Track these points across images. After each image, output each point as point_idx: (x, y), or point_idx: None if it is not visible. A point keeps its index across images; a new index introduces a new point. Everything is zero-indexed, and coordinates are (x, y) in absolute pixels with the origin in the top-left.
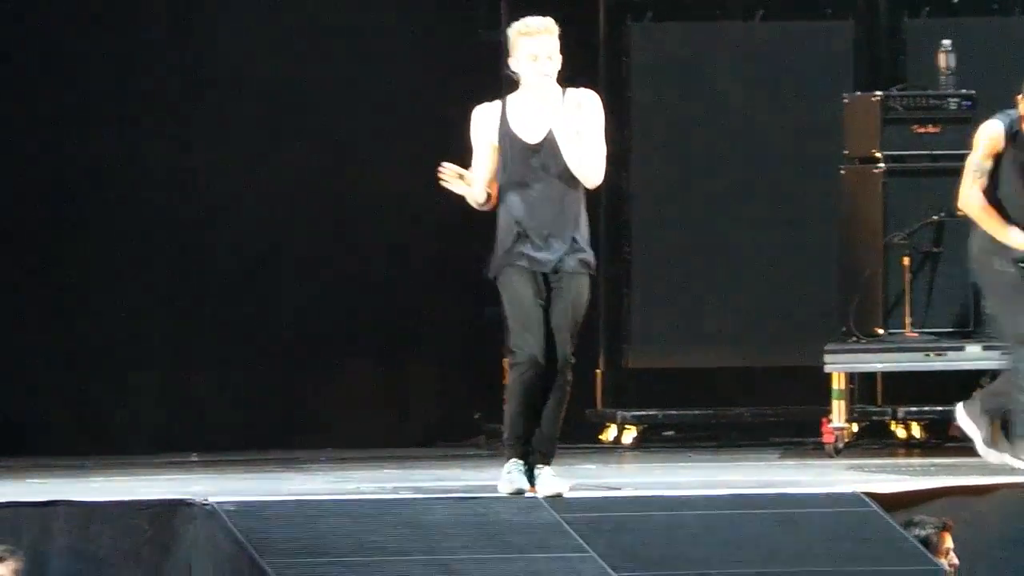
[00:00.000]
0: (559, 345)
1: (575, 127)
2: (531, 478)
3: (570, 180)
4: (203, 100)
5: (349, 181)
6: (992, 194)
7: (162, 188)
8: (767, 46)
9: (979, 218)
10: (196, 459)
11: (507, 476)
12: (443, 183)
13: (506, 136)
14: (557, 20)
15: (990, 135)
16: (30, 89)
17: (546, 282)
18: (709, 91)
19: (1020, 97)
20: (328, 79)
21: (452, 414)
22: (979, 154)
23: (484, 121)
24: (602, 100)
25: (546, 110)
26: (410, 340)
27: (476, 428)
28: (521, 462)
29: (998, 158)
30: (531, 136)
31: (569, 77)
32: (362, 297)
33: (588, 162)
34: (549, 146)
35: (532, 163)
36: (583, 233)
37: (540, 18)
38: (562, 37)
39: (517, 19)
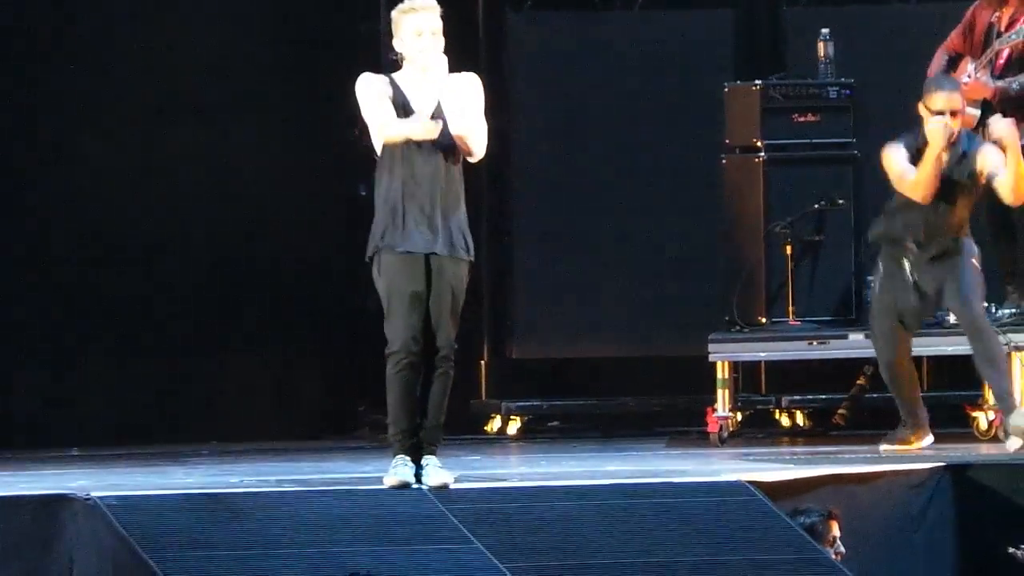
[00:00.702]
0: (440, 331)
1: (460, 99)
2: (418, 469)
3: (453, 157)
4: (90, 89)
5: (232, 174)
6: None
7: (39, 177)
8: (647, 35)
9: (909, 174)
10: (77, 453)
11: (393, 470)
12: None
13: (400, 104)
14: None
15: (890, 160)
16: None
17: (426, 266)
18: (590, 81)
19: (920, 106)
20: (205, 73)
21: (336, 406)
22: (891, 176)
23: (378, 80)
24: (484, 90)
25: (433, 83)
26: (294, 331)
27: (360, 420)
28: (407, 457)
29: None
30: (422, 107)
31: (450, 66)
32: (246, 288)
33: (475, 133)
34: (437, 118)
35: (422, 142)
36: (462, 217)
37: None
38: (443, 22)
39: (394, 5)
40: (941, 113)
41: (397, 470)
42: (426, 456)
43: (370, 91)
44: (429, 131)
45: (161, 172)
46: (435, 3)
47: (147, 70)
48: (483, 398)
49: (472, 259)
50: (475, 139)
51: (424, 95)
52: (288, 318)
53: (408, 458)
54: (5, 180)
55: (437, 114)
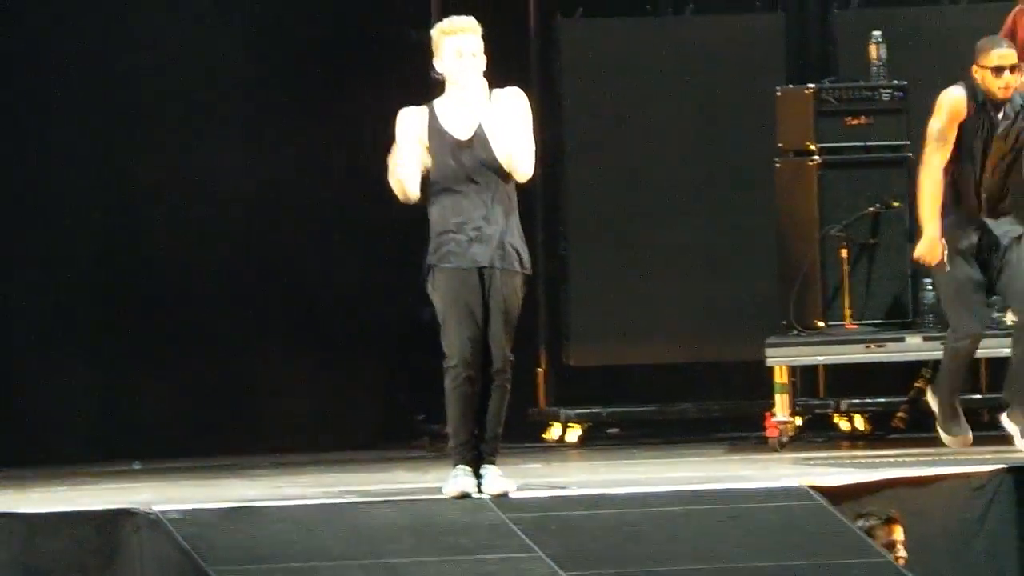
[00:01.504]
0: (495, 345)
1: (504, 120)
2: (478, 479)
3: (501, 176)
4: (125, 98)
5: (288, 184)
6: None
7: (93, 198)
8: (698, 40)
9: (922, 190)
10: (139, 467)
11: (452, 480)
12: (392, 173)
13: (436, 133)
14: (487, 18)
15: (952, 100)
16: None
17: (480, 280)
18: (642, 86)
19: (974, 67)
20: (255, 78)
21: (395, 417)
22: (942, 121)
23: (412, 119)
24: (534, 97)
25: (474, 106)
26: (352, 343)
27: (419, 430)
28: (468, 467)
29: (960, 128)
30: (461, 132)
31: (501, 75)
32: (303, 302)
33: (519, 154)
34: (479, 141)
35: (463, 159)
36: (516, 231)
37: (463, 17)
38: (492, 36)
39: (446, 15)
40: (998, 69)
41: (457, 480)
42: (486, 466)
43: (402, 134)
44: (410, 198)
45: (220, 186)
46: (476, 24)
47: (186, 81)
48: (541, 406)
49: (528, 272)
50: (519, 162)
51: (464, 119)
52: (345, 330)
53: (468, 468)
54: (67, 201)
55: (477, 139)
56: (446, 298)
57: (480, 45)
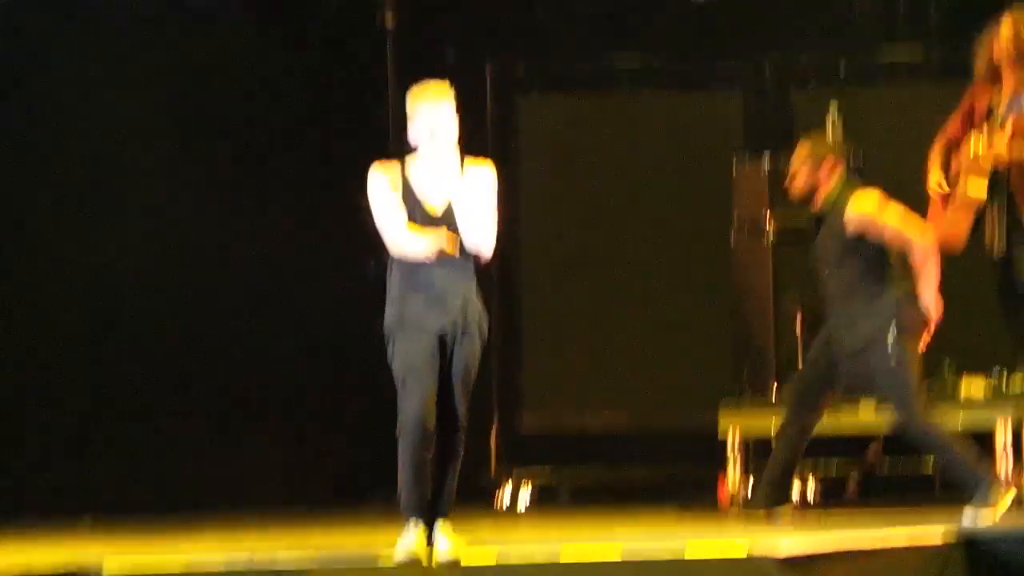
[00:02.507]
0: (452, 408)
1: (472, 200)
2: (429, 537)
3: (464, 251)
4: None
5: (244, 250)
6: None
7: (69, 248)
8: (656, 116)
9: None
10: (89, 523)
11: (403, 542)
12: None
13: (409, 199)
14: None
15: None
16: None
17: (440, 346)
18: (600, 160)
19: None
20: (228, 159)
21: (350, 480)
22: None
23: (387, 175)
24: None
25: (445, 179)
26: (303, 405)
27: (372, 495)
28: (419, 522)
29: None
30: (433, 204)
31: (459, 151)
32: (259, 365)
33: (483, 236)
34: (448, 216)
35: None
36: (474, 298)
37: (436, 84)
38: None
39: (403, 90)
40: None
41: (407, 541)
42: (439, 522)
43: (380, 193)
44: (445, 246)
45: (190, 249)
46: (448, 88)
47: (166, 137)
48: (493, 470)
49: (485, 337)
50: (482, 246)
51: (435, 191)
52: (299, 392)
53: (419, 525)
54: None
55: (447, 214)
56: (405, 363)
57: (453, 113)
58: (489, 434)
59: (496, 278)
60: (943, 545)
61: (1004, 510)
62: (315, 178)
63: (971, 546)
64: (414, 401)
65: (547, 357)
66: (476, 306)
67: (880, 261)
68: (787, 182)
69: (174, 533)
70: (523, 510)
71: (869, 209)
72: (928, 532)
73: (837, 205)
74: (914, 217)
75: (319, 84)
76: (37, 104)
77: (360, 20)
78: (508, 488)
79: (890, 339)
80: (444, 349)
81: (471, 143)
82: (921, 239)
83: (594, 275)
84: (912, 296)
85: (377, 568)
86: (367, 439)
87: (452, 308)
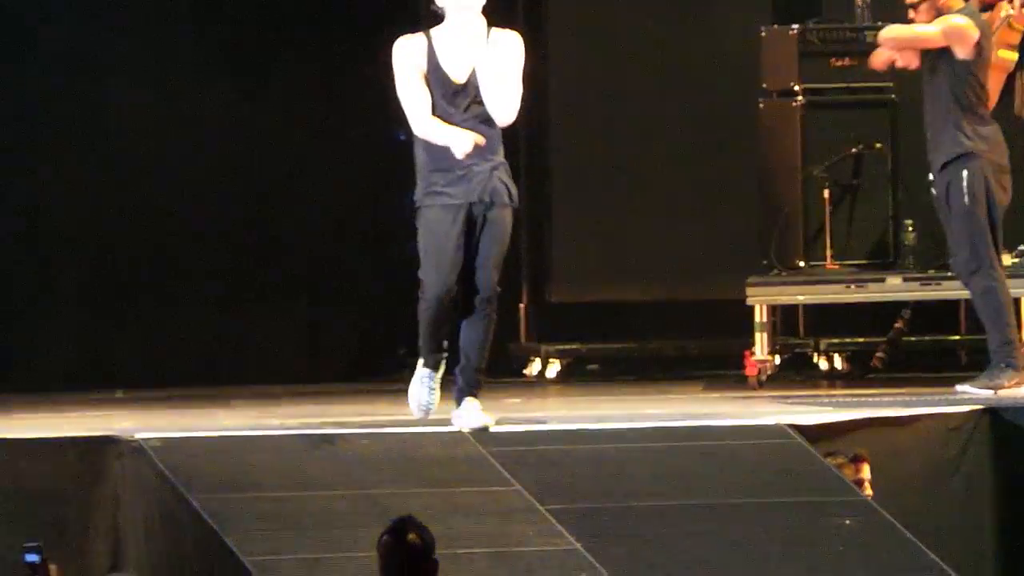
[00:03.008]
0: (483, 278)
1: (496, 68)
2: (459, 410)
3: (490, 119)
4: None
5: (263, 126)
6: None
7: (66, 136)
8: None
9: None
10: (121, 396)
11: (416, 388)
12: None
13: (434, 71)
14: None
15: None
16: None
17: (468, 215)
18: (626, 26)
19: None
20: (238, 23)
21: (376, 350)
22: None
23: (412, 51)
24: (522, 36)
25: (471, 47)
26: (332, 278)
27: (402, 364)
28: (431, 371)
29: None
30: (457, 74)
31: (488, 18)
32: (282, 236)
33: (505, 104)
34: (472, 85)
35: (456, 101)
36: (503, 166)
37: None
38: None
39: None
40: None
41: (421, 389)
42: (467, 399)
43: (404, 70)
44: (465, 148)
45: (194, 125)
46: None
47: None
48: (522, 341)
49: (516, 205)
50: (504, 112)
51: (460, 59)
52: (325, 268)
53: (431, 371)
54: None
55: (471, 82)
56: (433, 235)
57: None
58: (518, 307)
59: (524, 148)
60: (968, 413)
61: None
62: (342, 49)
63: (995, 416)
64: (436, 272)
65: (576, 229)
66: (503, 176)
67: None
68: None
69: (207, 405)
70: (552, 382)
71: None
72: (953, 403)
73: None
74: None
75: None
76: None
77: None
78: (537, 361)
79: None
80: (472, 220)
81: (501, 17)
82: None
83: (621, 144)
84: None
85: (406, 432)
86: (393, 312)
87: (478, 180)
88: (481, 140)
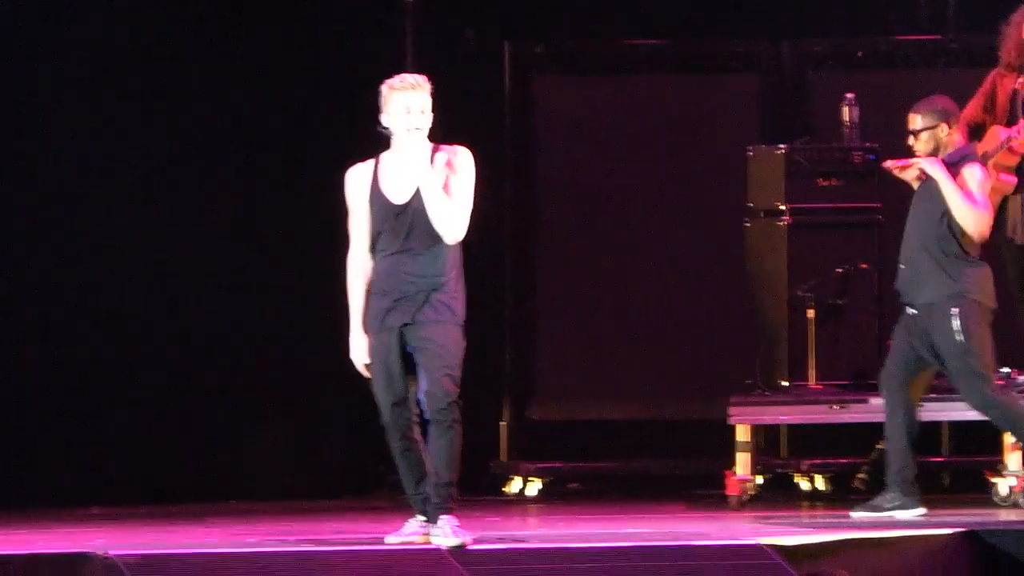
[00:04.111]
0: (432, 386)
1: (441, 185)
2: (435, 530)
3: (437, 238)
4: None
5: (253, 239)
6: None
7: (71, 241)
8: (672, 98)
9: None
10: (97, 512)
11: (401, 531)
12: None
13: (375, 196)
14: (463, 74)
15: None
16: None
17: (400, 339)
18: (616, 143)
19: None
20: (229, 130)
21: (356, 467)
22: None
23: (356, 183)
24: (509, 153)
25: (415, 167)
26: (315, 393)
27: (380, 480)
28: (420, 518)
29: None
30: (398, 197)
31: (477, 132)
32: (267, 350)
33: (451, 220)
34: (416, 205)
35: (398, 223)
36: (450, 287)
37: (413, 75)
38: (468, 91)
39: (421, 69)
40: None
41: (404, 528)
42: (442, 516)
43: (349, 199)
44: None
45: (191, 236)
46: (425, 81)
47: (161, 136)
48: (503, 459)
49: (460, 323)
50: (450, 228)
51: (403, 181)
52: (310, 381)
53: (421, 519)
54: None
55: (414, 201)
56: (373, 363)
57: (428, 102)
58: (498, 425)
59: (509, 264)
60: (949, 536)
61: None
62: (330, 164)
63: (975, 539)
64: (382, 401)
65: (559, 347)
66: (449, 295)
67: None
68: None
69: (184, 522)
70: (532, 501)
71: None
72: (933, 525)
73: None
74: None
75: (336, 62)
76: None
77: None
78: (517, 479)
79: None
80: (405, 339)
81: (488, 122)
82: None
83: (607, 261)
84: None
85: (385, 551)
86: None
87: (414, 302)
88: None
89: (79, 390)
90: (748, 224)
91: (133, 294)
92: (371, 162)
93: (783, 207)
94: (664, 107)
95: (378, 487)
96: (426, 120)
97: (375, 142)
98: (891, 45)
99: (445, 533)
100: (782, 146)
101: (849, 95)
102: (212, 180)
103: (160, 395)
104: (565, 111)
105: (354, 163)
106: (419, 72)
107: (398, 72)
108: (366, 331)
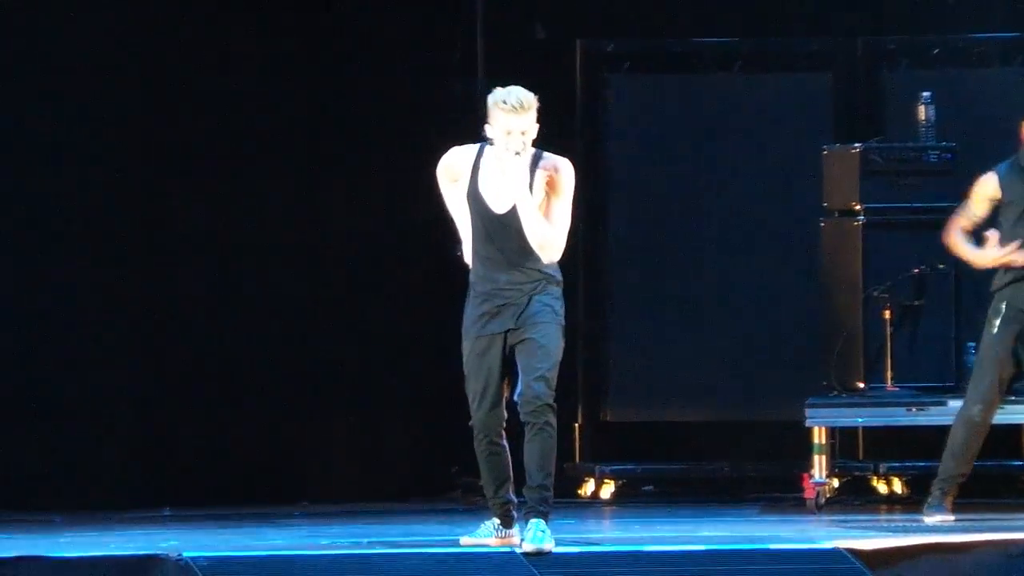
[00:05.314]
0: (529, 385)
1: (538, 204)
2: (523, 532)
3: (532, 252)
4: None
5: (327, 236)
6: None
7: (133, 235)
8: (745, 97)
9: (951, 247)
10: (169, 514)
11: (477, 531)
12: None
13: (474, 199)
14: (534, 72)
15: (980, 184)
16: None
17: (503, 343)
18: (687, 143)
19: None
20: (305, 124)
21: (429, 468)
22: (971, 199)
23: (454, 170)
24: (579, 152)
25: (514, 180)
26: (386, 393)
27: (453, 482)
28: (496, 521)
29: (1008, 202)
30: (497, 205)
31: (546, 129)
32: (338, 350)
33: (550, 244)
34: (512, 220)
35: (495, 234)
36: (548, 292)
37: (520, 95)
38: (538, 89)
39: (492, 66)
40: None
41: (479, 530)
42: (533, 519)
43: (443, 185)
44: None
45: (261, 230)
46: (531, 101)
47: (240, 124)
48: (577, 461)
49: (561, 322)
50: (548, 249)
51: (502, 190)
52: (380, 379)
53: (496, 521)
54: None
55: (512, 216)
56: (467, 366)
57: (532, 121)
58: (573, 427)
59: (582, 267)
60: None
61: None
62: (401, 159)
63: None
64: (476, 406)
65: (634, 348)
66: (548, 293)
67: None
68: None
69: (256, 524)
70: (606, 503)
71: None
72: (1014, 529)
73: None
74: None
75: (409, 60)
76: None
77: None
78: (591, 481)
79: None
80: (507, 343)
81: (559, 121)
82: None
83: (681, 261)
84: None
85: (456, 552)
86: (448, 427)
87: (518, 306)
88: None
89: (150, 393)
90: (823, 224)
91: (205, 297)
92: (474, 150)
93: (858, 207)
94: (737, 106)
95: (451, 489)
96: (528, 138)
97: (445, 137)
98: (966, 43)
99: (531, 536)
100: (857, 145)
101: (925, 93)
102: (281, 173)
103: (232, 397)
104: (636, 109)
105: (423, 158)
106: (490, 67)
107: (470, 73)
108: (464, 335)
